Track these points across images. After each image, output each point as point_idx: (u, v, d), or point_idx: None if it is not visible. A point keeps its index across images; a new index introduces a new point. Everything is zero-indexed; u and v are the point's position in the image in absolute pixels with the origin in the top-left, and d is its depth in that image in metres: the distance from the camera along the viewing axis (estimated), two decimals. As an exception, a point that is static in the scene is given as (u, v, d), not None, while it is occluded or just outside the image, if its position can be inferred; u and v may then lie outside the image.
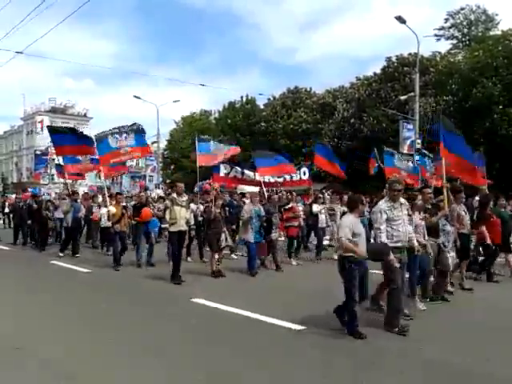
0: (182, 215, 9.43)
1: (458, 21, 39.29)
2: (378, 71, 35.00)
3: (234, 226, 12.65)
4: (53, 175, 56.90)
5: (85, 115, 75.44)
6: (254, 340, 5.64)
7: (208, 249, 12.18)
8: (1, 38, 40.96)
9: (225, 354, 5.14)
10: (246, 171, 13.71)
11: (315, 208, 12.44)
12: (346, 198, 12.43)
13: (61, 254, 12.87)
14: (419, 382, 4.48)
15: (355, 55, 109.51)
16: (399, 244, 5.97)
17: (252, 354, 5.15)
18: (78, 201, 14.59)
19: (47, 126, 17.46)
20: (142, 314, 6.86)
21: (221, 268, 10.05)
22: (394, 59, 33.85)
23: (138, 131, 12.14)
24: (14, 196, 25.04)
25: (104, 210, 12.88)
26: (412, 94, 24.33)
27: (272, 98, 44.20)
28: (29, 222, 14.99)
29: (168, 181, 45.79)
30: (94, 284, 9.50)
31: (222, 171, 13.44)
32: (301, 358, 4.99)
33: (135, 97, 37.55)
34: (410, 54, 32.27)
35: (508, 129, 24.98)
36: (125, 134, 11.92)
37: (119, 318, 6.69)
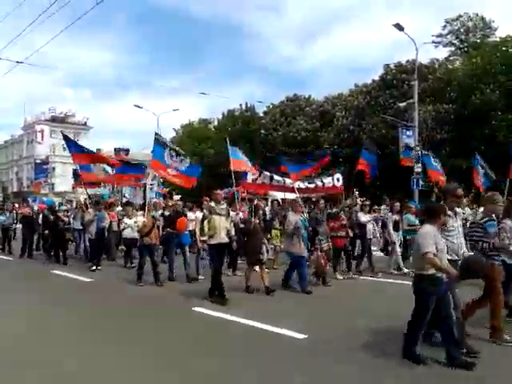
0: (223, 226, 8.31)
1: (456, 27, 39.58)
2: (377, 79, 35.21)
3: (269, 235, 11.97)
4: (53, 184, 57.18)
5: (85, 124, 75.69)
6: (255, 348, 5.63)
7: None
8: (1, 49, 41.17)
9: (226, 356, 5.17)
10: (276, 177, 13.00)
11: (363, 217, 11.45)
12: (397, 205, 11.98)
13: (93, 268, 12.01)
14: (419, 382, 4.48)
15: (354, 63, 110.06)
16: (453, 257, 5.25)
17: (254, 361, 5.15)
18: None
19: (62, 134, 16.78)
20: (143, 321, 6.84)
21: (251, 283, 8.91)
22: (392, 66, 34.06)
23: (195, 165, 12.24)
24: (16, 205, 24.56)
25: (129, 221, 12.09)
26: (411, 100, 24.45)
27: (271, 106, 44.36)
28: (46, 232, 14.20)
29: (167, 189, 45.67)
30: (95, 293, 9.44)
31: (250, 177, 12.80)
32: (300, 359, 5.03)
33: (136, 106, 37.67)
34: (408, 61, 32.47)
35: (507, 135, 25.07)
36: (181, 157, 11.68)
37: (121, 322, 6.69)
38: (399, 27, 22.05)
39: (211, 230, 8.21)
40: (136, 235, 11.92)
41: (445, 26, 39.85)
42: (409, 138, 23.86)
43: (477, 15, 38.71)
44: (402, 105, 26.36)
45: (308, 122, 38.74)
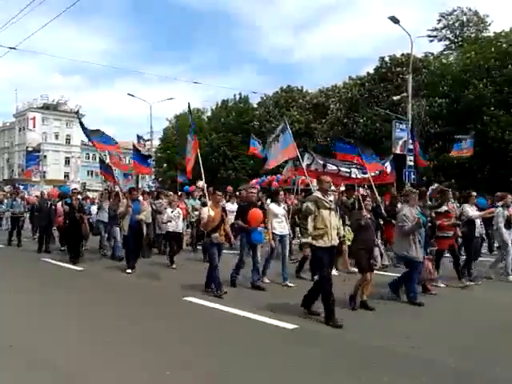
0: (333, 223, 6.43)
1: (451, 22, 39.59)
2: (371, 71, 35.20)
3: None
4: (45, 172, 56.79)
5: (77, 112, 75.02)
6: (251, 339, 5.65)
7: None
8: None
9: (225, 353, 5.13)
10: (330, 165, 11.66)
11: (471, 212, 9.25)
12: (510, 198, 9.96)
13: (128, 271, 10.07)
14: (419, 381, 4.42)
15: (349, 55, 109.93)
16: None
17: (251, 353, 5.15)
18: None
19: (80, 123, 13.46)
20: (141, 314, 6.81)
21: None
22: (387, 59, 34.05)
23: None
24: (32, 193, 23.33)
25: (172, 212, 10.86)
26: (404, 94, 24.47)
27: (265, 97, 44.23)
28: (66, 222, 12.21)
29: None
30: (91, 283, 9.32)
31: (305, 163, 11.29)
32: (300, 357, 4.97)
33: (129, 94, 37.58)
34: (402, 54, 32.47)
35: (497, 131, 25.17)
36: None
37: (118, 318, 6.61)
38: (394, 20, 22.00)
39: (319, 229, 6.30)
40: (180, 229, 11.19)
41: (439, 20, 39.88)
42: (402, 131, 23.94)
43: (470, 10, 38.75)
44: (395, 98, 26.41)
45: (302, 114, 38.71)
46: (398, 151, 23.05)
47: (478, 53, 28.54)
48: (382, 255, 7.60)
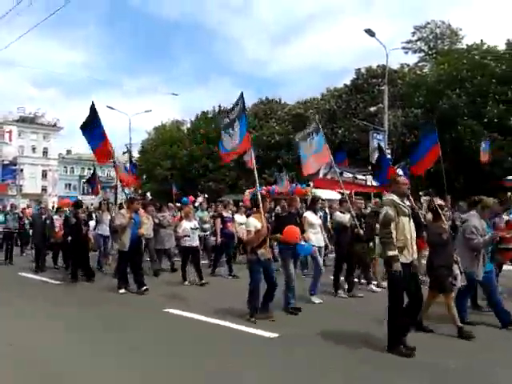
0: (413, 234, 5.41)
1: (425, 34, 40.52)
2: (348, 83, 35.73)
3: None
4: (21, 186, 55.94)
5: (55, 125, 74.17)
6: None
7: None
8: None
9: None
10: (346, 173, 11.50)
11: None
12: None
13: (122, 291, 9.17)
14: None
15: (326, 67, 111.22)
16: None
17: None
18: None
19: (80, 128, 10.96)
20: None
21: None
22: (363, 71, 34.62)
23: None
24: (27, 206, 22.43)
25: (189, 224, 10.07)
26: (381, 105, 24.90)
27: (244, 109, 44.45)
28: (69, 238, 11.09)
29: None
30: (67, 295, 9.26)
31: (322, 172, 11.02)
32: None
33: (108, 107, 37.14)
34: (378, 65, 33.04)
35: (471, 140, 25.67)
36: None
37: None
38: (370, 33, 22.47)
39: (399, 241, 5.23)
40: (197, 243, 10.22)
41: (414, 33, 40.78)
42: (379, 141, 24.27)
43: (443, 23, 39.72)
44: (372, 109, 26.85)
45: (281, 125, 38.97)
46: (374, 161, 23.33)
47: (451, 64, 29.23)
48: (461, 273, 6.29)
